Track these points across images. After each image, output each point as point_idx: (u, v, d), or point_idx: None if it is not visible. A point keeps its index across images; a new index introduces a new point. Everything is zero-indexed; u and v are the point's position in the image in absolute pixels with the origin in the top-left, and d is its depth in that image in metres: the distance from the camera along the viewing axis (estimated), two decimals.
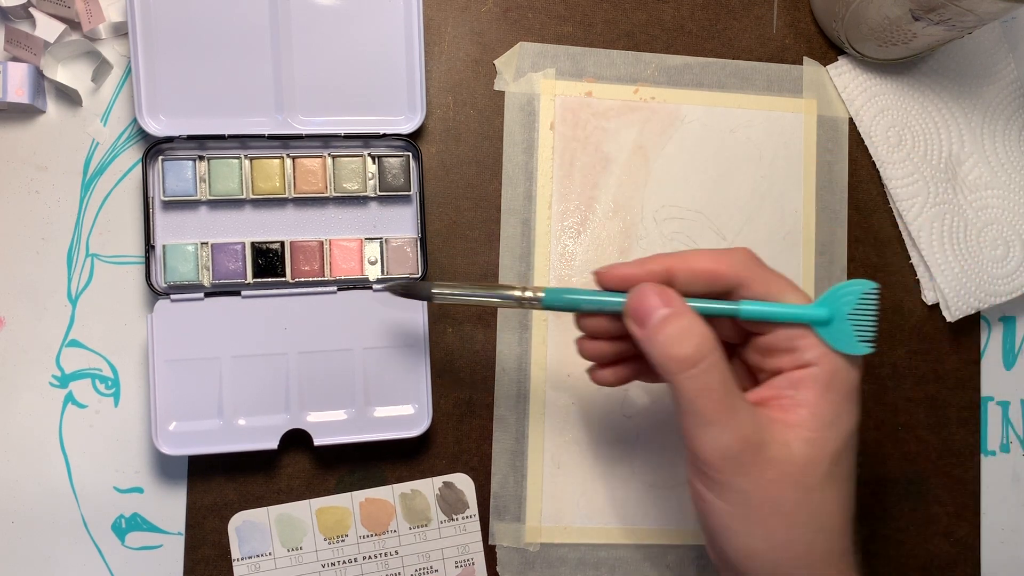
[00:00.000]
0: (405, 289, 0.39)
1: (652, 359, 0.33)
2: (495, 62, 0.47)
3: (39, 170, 0.44)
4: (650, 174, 0.47)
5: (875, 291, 0.34)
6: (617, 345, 0.37)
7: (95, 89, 0.44)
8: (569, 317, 0.46)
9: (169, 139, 0.42)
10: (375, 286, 0.43)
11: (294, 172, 0.44)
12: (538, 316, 0.46)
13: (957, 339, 0.49)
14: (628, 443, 0.46)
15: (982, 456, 0.49)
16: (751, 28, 0.48)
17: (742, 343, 0.36)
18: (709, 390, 0.32)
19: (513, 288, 0.36)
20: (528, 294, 0.36)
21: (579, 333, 0.38)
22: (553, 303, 0.36)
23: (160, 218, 0.43)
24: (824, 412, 0.33)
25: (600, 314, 0.36)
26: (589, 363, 0.39)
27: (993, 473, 0.49)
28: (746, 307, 0.34)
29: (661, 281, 0.34)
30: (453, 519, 0.45)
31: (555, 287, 0.36)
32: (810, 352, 0.33)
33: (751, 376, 0.37)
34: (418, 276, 0.44)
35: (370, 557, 0.44)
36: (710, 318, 0.34)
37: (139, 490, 0.44)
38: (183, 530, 0.44)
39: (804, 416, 0.33)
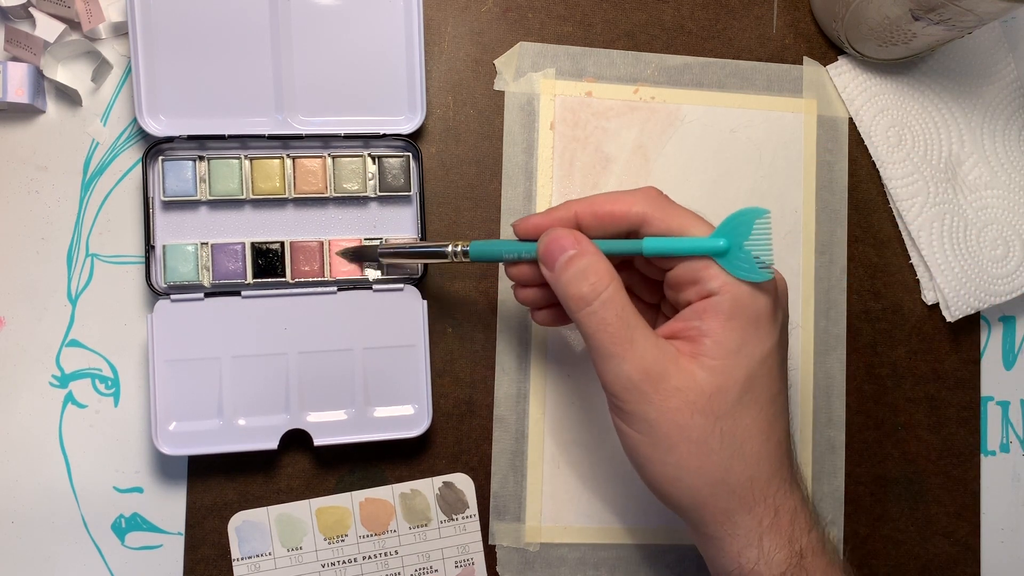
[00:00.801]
0: (355, 253, 0.43)
1: (561, 300, 0.35)
2: (495, 62, 0.47)
3: (39, 170, 0.44)
4: (650, 174, 0.47)
5: (767, 217, 0.34)
6: (545, 291, 0.39)
7: (95, 89, 0.44)
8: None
9: (169, 139, 0.42)
10: (335, 252, 0.44)
11: (294, 172, 0.44)
12: None
13: (957, 339, 0.49)
14: None
15: (982, 456, 0.49)
16: (751, 28, 0.48)
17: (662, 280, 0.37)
18: (605, 324, 0.34)
19: (445, 244, 0.40)
20: (458, 247, 0.39)
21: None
22: (479, 255, 0.39)
23: (160, 218, 0.43)
24: (727, 340, 0.34)
25: (521, 262, 0.38)
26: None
27: (993, 473, 0.49)
28: (648, 243, 0.35)
29: (571, 226, 0.36)
30: (453, 519, 0.45)
31: (480, 239, 0.39)
32: (713, 282, 0.34)
33: (674, 312, 0.37)
34: (418, 276, 0.44)
35: (370, 557, 0.44)
36: (625, 257, 0.36)
37: (139, 490, 0.44)
38: (183, 530, 0.44)
39: (708, 345, 0.34)
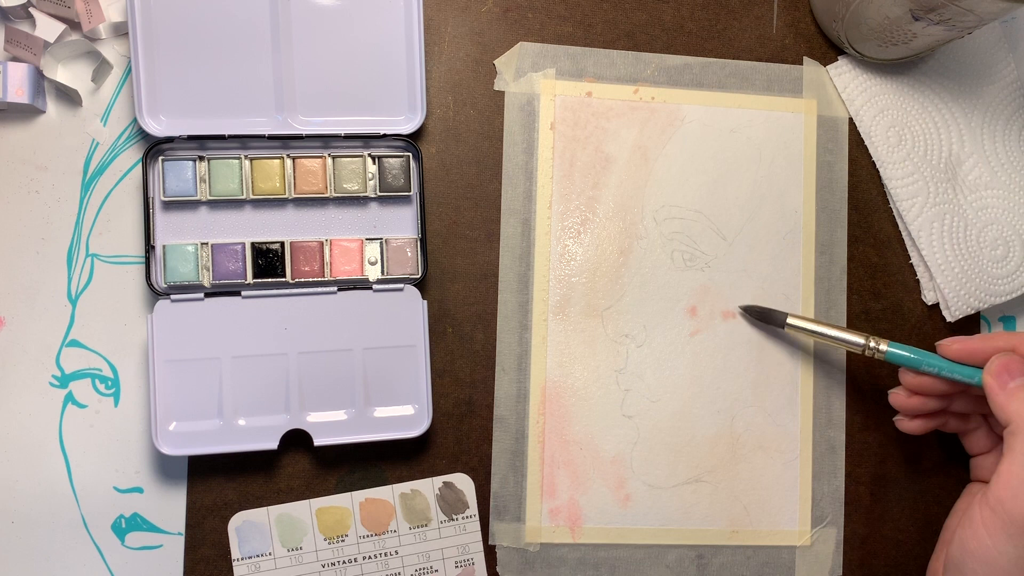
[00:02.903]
0: (761, 314, 0.46)
1: (1005, 411, 0.38)
2: (495, 62, 0.47)
3: (39, 170, 0.44)
4: (650, 174, 0.47)
5: None
6: (927, 402, 0.43)
7: (95, 89, 0.44)
8: (568, 323, 0.46)
9: (169, 139, 0.42)
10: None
11: (294, 172, 0.44)
12: (538, 316, 0.46)
13: None
14: (628, 443, 0.46)
15: None
16: (751, 28, 0.48)
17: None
18: None
19: (860, 336, 0.43)
20: (875, 344, 0.43)
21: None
22: (896, 360, 0.42)
23: (160, 218, 0.43)
24: None
25: (930, 375, 0.42)
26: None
27: None
28: None
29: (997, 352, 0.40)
30: (453, 519, 0.45)
31: (898, 344, 0.43)
32: None
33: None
34: (418, 276, 0.44)
35: (370, 557, 0.44)
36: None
37: (139, 490, 0.44)
38: (183, 530, 0.44)
39: None
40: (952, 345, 0.41)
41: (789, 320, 0.45)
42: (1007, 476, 0.37)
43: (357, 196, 0.44)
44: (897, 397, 0.44)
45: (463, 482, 0.45)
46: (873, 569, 0.47)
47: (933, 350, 0.42)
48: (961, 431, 0.45)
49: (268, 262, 0.43)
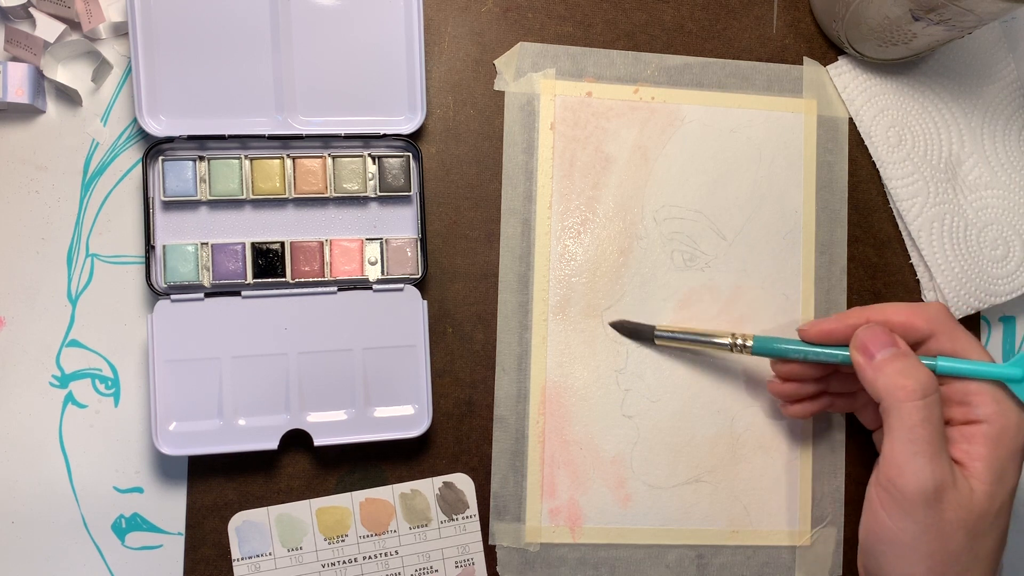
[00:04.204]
0: (630, 330, 0.46)
1: (875, 388, 0.38)
2: (495, 62, 0.47)
3: (39, 170, 0.44)
4: (650, 174, 0.47)
5: None
6: (802, 387, 0.43)
7: (95, 89, 0.44)
8: (568, 323, 0.46)
9: (169, 139, 0.42)
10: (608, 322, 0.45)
11: (294, 172, 0.44)
12: (538, 316, 0.46)
13: None
14: (628, 443, 0.46)
15: None
16: (751, 28, 0.48)
17: None
18: (929, 422, 0.36)
19: (725, 335, 0.43)
20: (740, 341, 0.43)
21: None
22: (761, 351, 0.43)
23: (160, 218, 0.43)
24: (995, 467, 0.37)
25: (797, 361, 0.42)
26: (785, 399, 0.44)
27: None
28: (943, 363, 0.39)
29: (853, 331, 0.40)
30: (453, 519, 0.45)
31: (761, 336, 0.43)
32: (982, 408, 0.38)
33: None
34: (418, 276, 0.44)
35: (370, 557, 0.44)
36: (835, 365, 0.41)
37: (139, 490, 0.44)
38: (183, 530, 0.44)
39: (979, 469, 0.37)
40: (811, 329, 0.41)
41: (657, 331, 0.45)
42: (890, 454, 0.37)
43: (357, 196, 0.44)
44: (772, 385, 0.44)
45: (463, 482, 0.45)
46: None
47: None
48: (851, 409, 0.45)
49: (268, 262, 0.43)
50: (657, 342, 0.45)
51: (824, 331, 0.41)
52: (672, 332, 0.45)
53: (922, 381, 0.37)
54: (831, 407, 0.44)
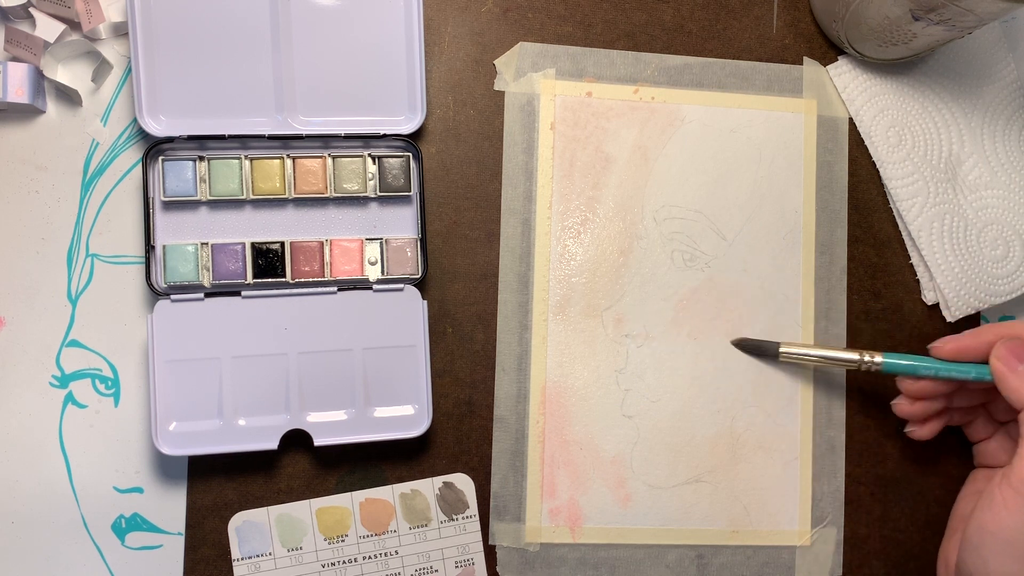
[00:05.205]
0: (755, 348, 0.46)
1: (1017, 395, 0.39)
2: (495, 62, 0.47)
3: (39, 170, 0.44)
4: (650, 174, 0.47)
5: None
6: (930, 404, 0.44)
7: (95, 89, 0.44)
8: (568, 323, 0.46)
9: (169, 139, 0.42)
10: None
11: (294, 172, 0.44)
12: (538, 316, 0.46)
13: None
14: (628, 443, 0.46)
15: None
16: (751, 28, 0.48)
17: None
18: None
19: (855, 353, 0.43)
20: (870, 358, 0.43)
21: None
22: (892, 369, 0.43)
23: (160, 218, 0.43)
24: None
25: (928, 379, 0.42)
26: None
27: None
28: None
29: (989, 348, 0.41)
30: (453, 519, 0.45)
31: (892, 354, 0.43)
32: None
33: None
34: (418, 276, 0.44)
35: (370, 557, 0.44)
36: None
37: (139, 490, 0.44)
38: (183, 530, 0.44)
39: None
40: (946, 345, 0.42)
41: (782, 349, 0.45)
42: None
43: (357, 196, 0.44)
44: (901, 407, 0.44)
45: (463, 482, 0.45)
46: (873, 569, 0.47)
47: (927, 352, 0.43)
48: (963, 423, 0.46)
49: (268, 262, 0.43)
50: (782, 359, 0.45)
51: (960, 347, 0.42)
52: (799, 351, 0.45)
53: None
54: (948, 421, 0.45)
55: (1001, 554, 0.38)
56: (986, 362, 0.41)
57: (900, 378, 0.44)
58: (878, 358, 0.43)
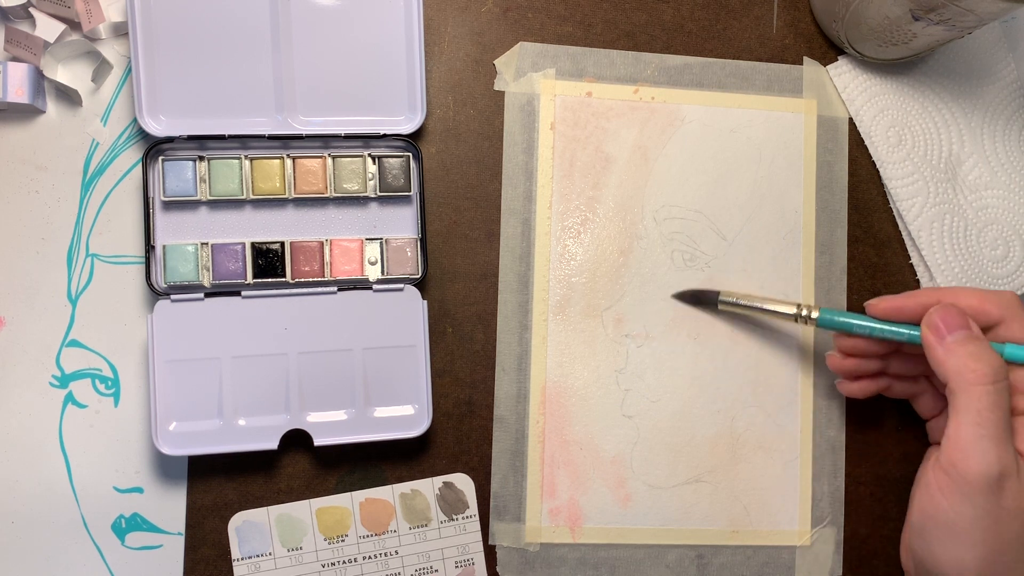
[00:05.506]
0: (693, 296, 0.46)
1: (944, 368, 0.37)
2: (495, 62, 0.47)
3: (39, 170, 0.44)
4: (650, 174, 0.47)
5: None
6: (863, 363, 0.43)
7: (95, 89, 0.44)
8: (568, 323, 0.46)
9: (169, 139, 0.42)
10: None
11: (294, 172, 0.44)
12: (538, 316, 0.46)
13: None
14: (628, 443, 0.46)
15: None
16: (751, 28, 0.48)
17: None
18: (998, 407, 0.36)
19: (791, 305, 0.43)
20: (803, 312, 0.43)
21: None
22: (827, 324, 0.42)
23: (160, 218, 0.43)
24: None
25: (862, 336, 0.42)
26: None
27: None
28: (1011, 349, 0.38)
29: (925, 311, 0.39)
30: (453, 519, 0.45)
31: (828, 308, 0.43)
32: None
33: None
34: (418, 276, 0.44)
35: (370, 557, 0.44)
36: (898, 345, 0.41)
37: (139, 490, 0.44)
38: (183, 530, 0.44)
39: None
40: (880, 304, 0.41)
41: (721, 298, 0.45)
42: (955, 437, 0.37)
43: (357, 196, 0.44)
44: (833, 359, 0.43)
45: (463, 482, 0.45)
46: (873, 569, 0.47)
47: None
48: (909, 395, 0.45)
49: (268, 262, 0.43)
50: (720, 307, 0.45)
51: (894, 307, 0.40)
52: (736, 299, 0.45)
53: (993, 366, 0.37)
54: (888, 391, 0.44)
55: (943, 538, 0.37)
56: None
57: (835, 334, 0.43)
58: (814, 313, 0.42)
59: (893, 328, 0.41)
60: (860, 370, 0.43)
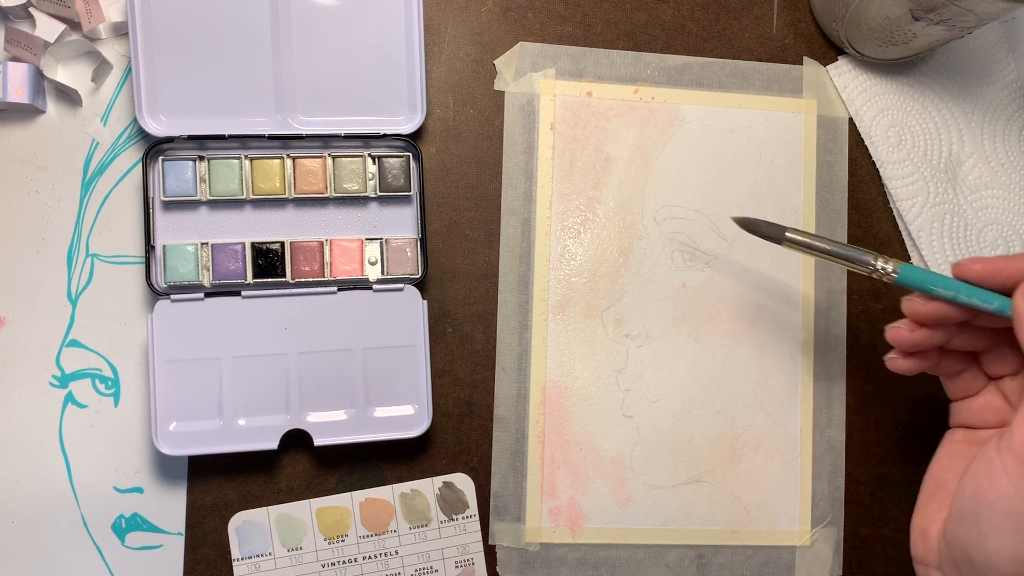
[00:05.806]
0: (759, 227, 0.40)
1: None
2: (495, 62, 0.47)
3: (39, 170, 0.44)
4: (650, 174, 0.47)
5: None
6: (932, 335, 0.38)
7: (95, 89, 0.44)
8: (568, 323, 0.46)
9: (169, 139, 0.42)
10: None
11: (294, 172, 0.44)
12: (538, 316, 0.46)
13: None
14: (628, 443, 0.46)
15: None
16: (751, 28, 0.48)
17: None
18: None
19: (869, 253, 0.38)
20: (884, 265, 0.37)
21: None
22: (907, 280, 0.37)
23: (160, 218, 0.43)
24: None
25: (943, 301, 0.36)
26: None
27: None
28: None
29: (1021, 277, 0.35)
30: (453, 519, 0.45)
31: (910, 265, 0.37)
32: None
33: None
34: (418, 276, 0.44)
35: (370, 557, 0.44)
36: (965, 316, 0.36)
37: (139, 490, 0.44)
38: (183, 530, 0.44)
39: None
40: (973, 265, 0.36)
41: (788, 234, 0.40)
42: None
43: (357, 196, 0.44)
44: (899, 331, 0.38)
45: (463, 482, 0.45)
46: (873, 569, 0.47)
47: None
48: (951, 373, 0.40)
49: (268, 262, 0.43)
50: (786, 244, 0.40)
51: (990, 269, 0.35)
52: (807, 239, 0.39)
53: None
54: (935, 367, 0.39)
55: (1001, 526, 0.34)
56: (1011, 295, 0.35)
57: (908, 300, 0.37)
58: (892, 266, 0.37)
59: (983, 294, 0.36)
60: (926, 343, 0.38)
